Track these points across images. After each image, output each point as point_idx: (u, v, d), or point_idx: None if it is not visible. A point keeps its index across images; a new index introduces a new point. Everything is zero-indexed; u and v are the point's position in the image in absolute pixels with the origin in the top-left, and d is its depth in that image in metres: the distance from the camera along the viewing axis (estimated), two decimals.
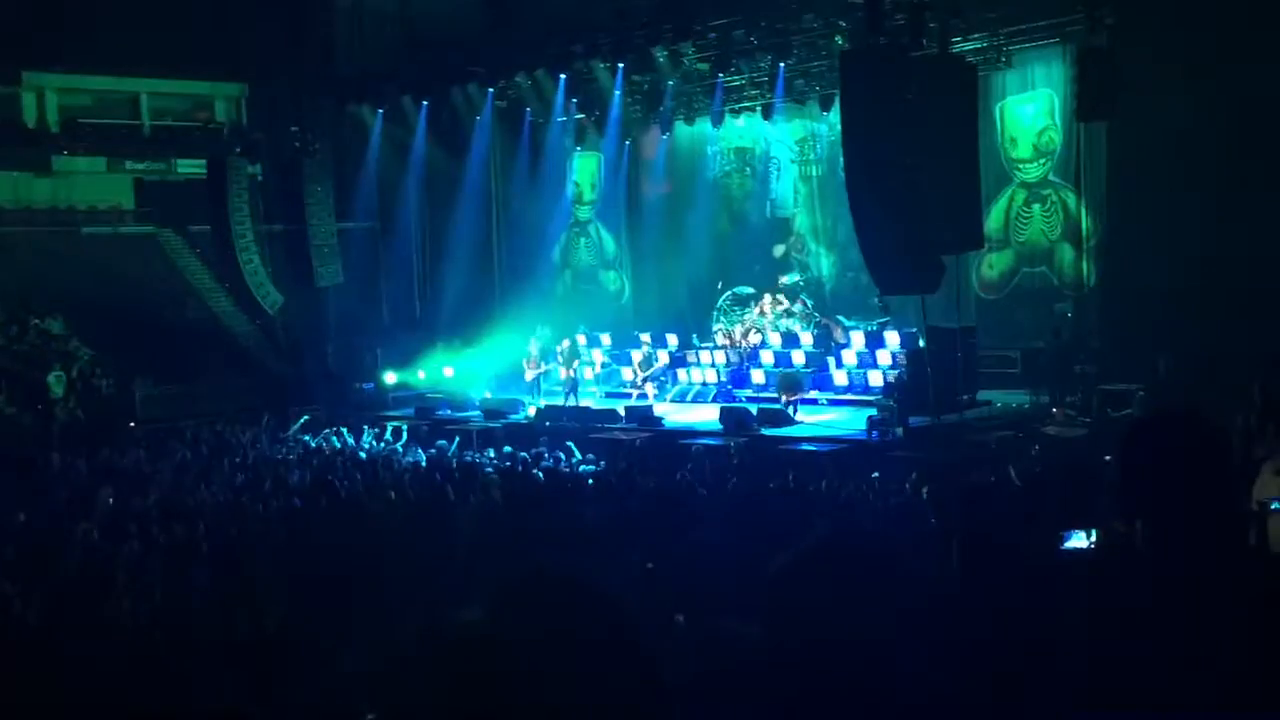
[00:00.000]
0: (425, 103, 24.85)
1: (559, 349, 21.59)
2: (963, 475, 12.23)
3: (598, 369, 23.21)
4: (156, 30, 27.65)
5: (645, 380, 21.32)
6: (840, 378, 19.94)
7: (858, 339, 20.32)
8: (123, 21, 27.03)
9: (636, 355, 21.71)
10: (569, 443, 16.44)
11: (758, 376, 20.85)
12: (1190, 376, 15.22)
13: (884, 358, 19.58)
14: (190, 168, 28.98)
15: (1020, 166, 20.35)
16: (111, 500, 12.47)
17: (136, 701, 2.52)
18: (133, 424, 21.63)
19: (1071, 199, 19.61)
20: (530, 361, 21.79)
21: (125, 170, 30.24)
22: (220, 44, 28.24)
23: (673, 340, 22.45)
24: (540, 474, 14.52)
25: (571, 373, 21.17)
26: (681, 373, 21.84)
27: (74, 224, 28.64)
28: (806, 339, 20.83)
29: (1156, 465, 2.68)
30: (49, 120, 29.84)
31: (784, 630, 2.50)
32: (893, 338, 19.74)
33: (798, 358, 20.47)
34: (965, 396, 17.26)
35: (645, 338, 22.44)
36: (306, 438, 18.64)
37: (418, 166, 25.95)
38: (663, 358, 21.73)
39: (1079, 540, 4.09)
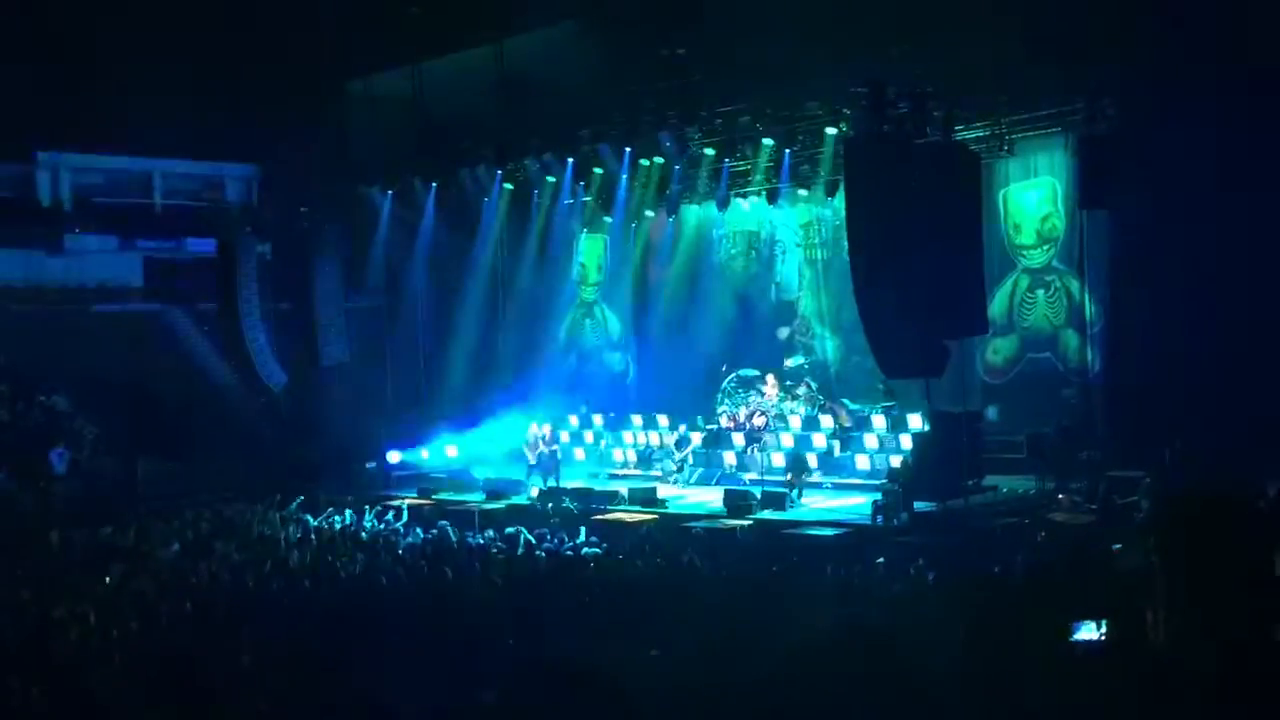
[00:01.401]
0: (434, 184, 25.17)
1: (536, 432, 21.78)
2: (969, 562, 12.11)
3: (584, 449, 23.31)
4: (170, 111, 28.11)
5: (682, 462, 21.20)
6: (862, 461, 19.83)
7: (879, 422, 20.22)
8: (137, 102, 27.47)
9: (670, 438, 21.69)
10: (576, 528, 16.34)
11: (778, 459, 20.72)
12: (1197, 465, 15.15)
13: (907, 442, 19.35)
14: (200, 246, 29.24)
15: (1024, 252, 20.48)
16: (108, 580, 12.37)
17: None
18: (135, 502, 21.52)
19: (1075, 285, 19.70)
20: (530, 445, 21.79)
21: (136, 249, 30.50)
22: (233, 125, 28.68)
23: (664, 421, 22.45)
24: (543, 555, 14.42)
25: (539, 453, 21.39)
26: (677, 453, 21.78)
27: (84, 302, 28.83)
28: (826, 422, 20.71)
29: (1188, 549, 2.64)
30: (62, 199, 30.18)
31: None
32: (916, 420, 19.47)
33: (818, 440, 20.38)
34: (971, 481, 17.16)
35: (663, 419, 22.47)
36: (308, 517, 18.54)
37: (425, 246, 26.19)
38: (695, 439, 21.56)
39: (1089, 631, 4.03)
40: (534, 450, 21.68)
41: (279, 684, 8.16)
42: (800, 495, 18.60)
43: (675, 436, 21.71)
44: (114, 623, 10.04)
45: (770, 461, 20.29)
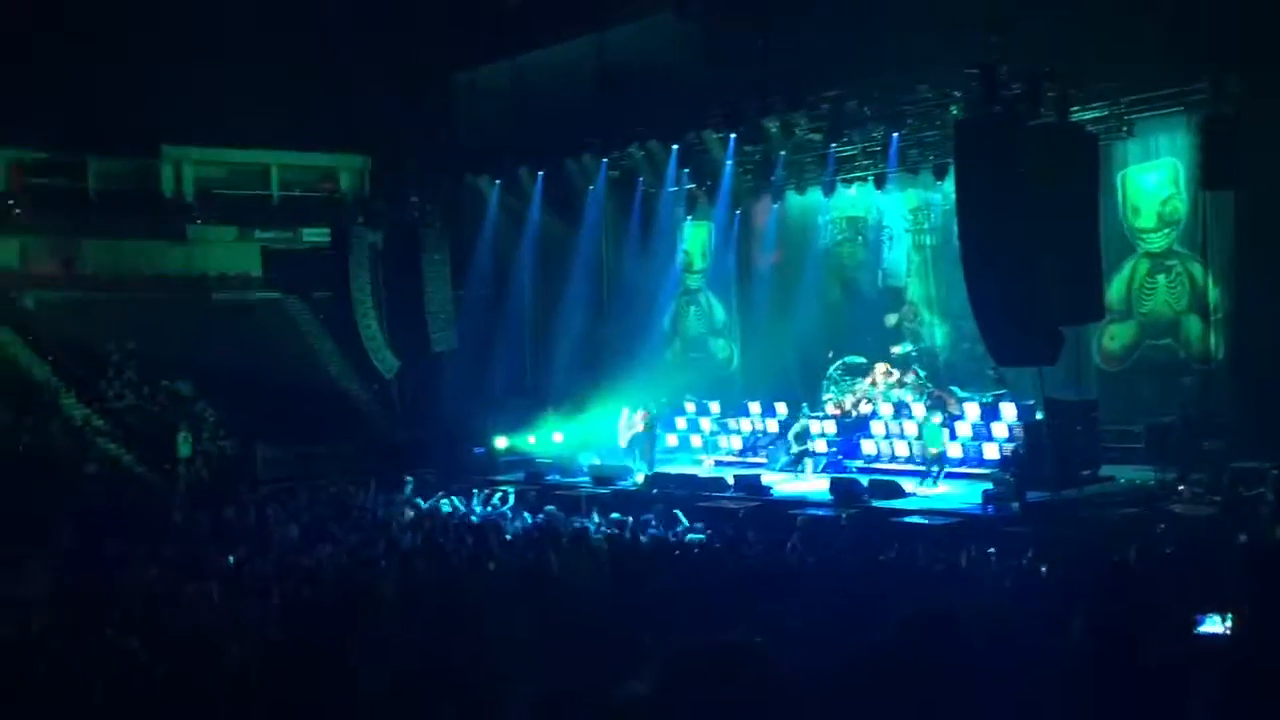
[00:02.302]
0: (540, 173, 25.41)
1: (627, 417, 22.26)
2: (1083, 553, 11.81)
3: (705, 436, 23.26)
4: (286, 106, 28.91)
5: (802, 453, 21.00)
6: (954, 450, 19.51)
7: (972, 411, 19.88)
8: (255, 98, 28.33)
9: (796, 426, 21.46)
10: (676, 511, 16.39)
11: (869, 447, 20.55)
12: None
13: (1000, 430, 19.12)
14: (315, 236, 30.01)
15: (1143, 236, 19.85)
16: (232, 560, 12.78)
17: None
18: (254, 485, 22.21)
19: (1198, 269, 19.04)
20: (622, 429, 22.32)
21: (254, 239, 31.45)
22: (345, 118, 29.37)
23: (782, 409, 22.35)
24: (646, 540, 14.47)
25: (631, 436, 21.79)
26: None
27: (205, 290, 29.85)
28: (919, 410, 20.45)
29: None
30: (185, 191, 31.27)
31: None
32: (1009, 410, 19.26)
33: (910, 429, 20.08)
34: (1086, 471, 16.73)
35: (781, 407, 22.39)
36: (419, 500, 18.91)
37: (532, 235, 26.48)
38: (814, 427, 21.34)
39: (1214, 625, 3.90)
40: (625, 434, 21.95)
41: (389, 666, 8.33)
42: (938, 480, 18.34)
43: (798, 427, 21.42)
44: (236, 601, 10.38)
45: (894, 449, 20.12)
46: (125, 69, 26.99)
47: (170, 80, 27.13)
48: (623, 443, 22.22)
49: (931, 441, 19.03)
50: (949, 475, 19.02)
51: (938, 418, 19.38)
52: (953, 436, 19.66)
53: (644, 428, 21.88)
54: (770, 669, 2.34)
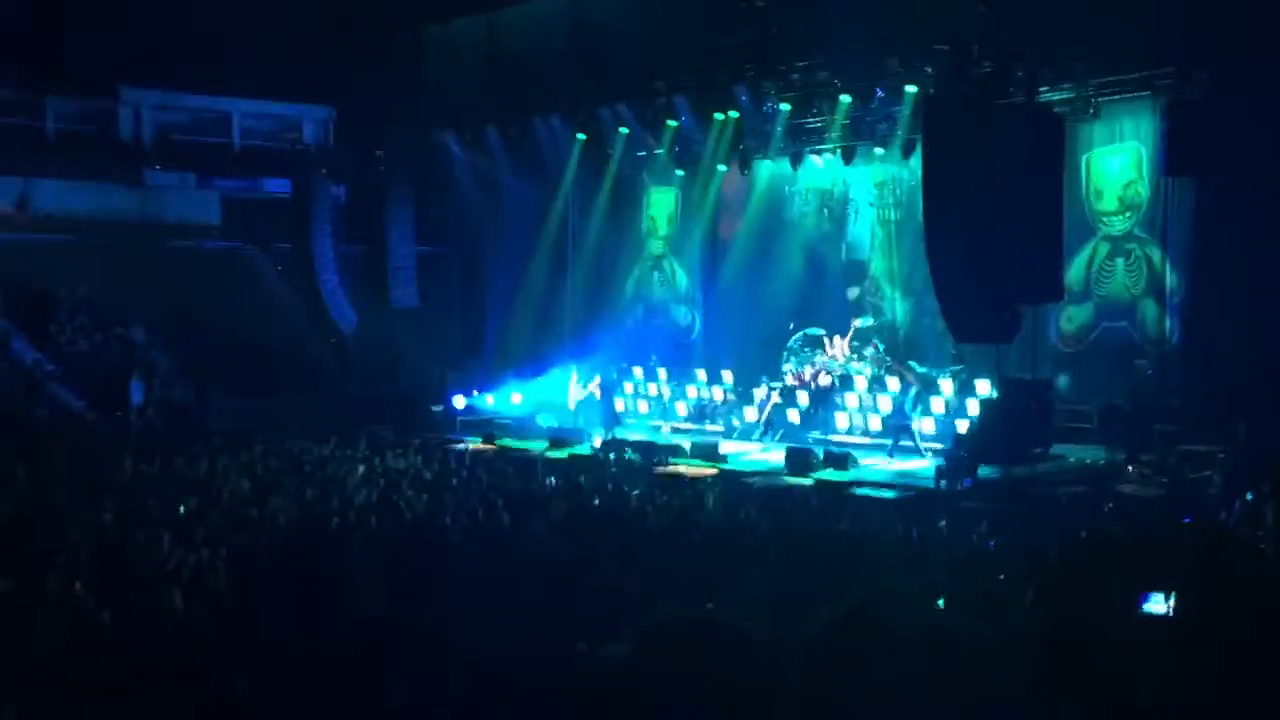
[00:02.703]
0: (508, 132, 25.19)
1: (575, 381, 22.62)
2: (1032, 529, 11.98)
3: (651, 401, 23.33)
4: (250, 53, 28.43)
5: (767, 423, 20.95)
6: (927, 425, 19.65)
7: (946, 387, 19.99)
8: (219, 43, 27.83)
9: (759, 393, 21.40)
10: (632, 475, 16.44)
11: (841, 420, 20.61)
12: (1272, 440, 14.82)
13: (974, 407, 19.15)
14: (276, 187, 29.64)
15: (1105, 219, 20.03)
16: (182, 510, 12.67)
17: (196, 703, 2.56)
18: (206, 435, 22.02)
19: (1156, 254, 19.26)
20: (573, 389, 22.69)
21: (214, 187, 31.01)
22: (311, 68, 28.93)
23: (728, 377, 22.45)
24: (600, 502, 14.51)
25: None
26: (749, 411, 21.72)
27: (161, 237, 29.40)
28: (893, 384, 20.55)
29: None
30: (143, 135, 30.73)
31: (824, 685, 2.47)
32: (984, 386, 19.22)
33: (883, 403, 20.21)
34: (1038, 450, 16.95)
35: (728, 375, 22.47)
36: (374, 456, 18.82)
37: (497, 194, 26.30)
38: (775, 398, 21.23)
39: (1157, 604, 3.97)
40: (574, 398, 22.50)
41: (345, 619, 8.32)
42: (894, 454, 18.52)
43: (762, 395, 21.39)
44: (187, 550, 10.30)
45: (835, 422, 20.20)
46: (87, 7, 26.43)
47: (133, 22, 26.60)
48: (571, 406, 22.35)
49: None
50: (911, 450, 19.18)
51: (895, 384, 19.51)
52: (926, 411, 19.76)
53: (599, 393, 21.90)
54: (746, 643, 2.36)
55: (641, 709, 2.29)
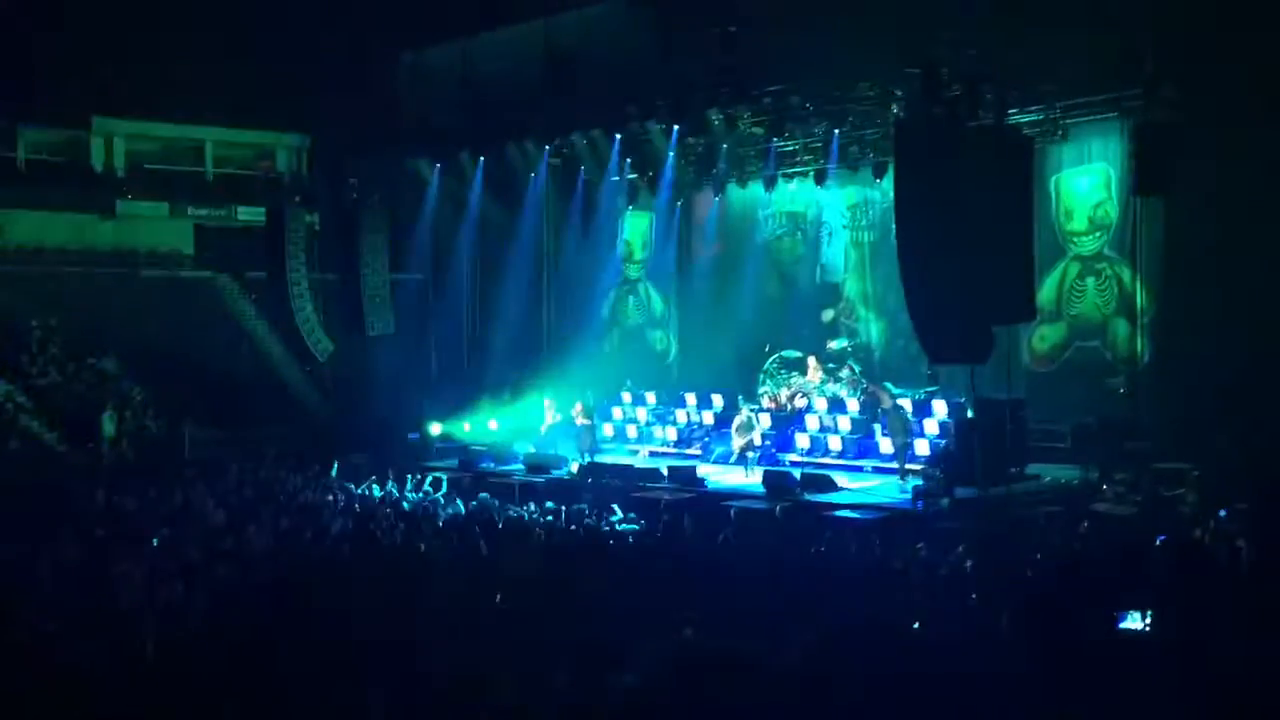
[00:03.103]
0: (482, 158, 25.22)
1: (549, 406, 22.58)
2: (1009, 549, 12.01)
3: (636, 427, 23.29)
4: (224, 81, 28.38)
5: (746, 448, 20.31)
6: (885, 445, 19.73)
7: (905, 407, 20.10)
8: (192, 72, 27.78)
9: (738, 418, 20.92)
10: (614, 505, 16.38)
11: (803, 441, 20.71)
12: (1245, 458, 14.93)
13: (931, 427, 19.39)
14: (250, 215, 29.54)
15: (1075, 239, 20.20)
16: (156, 542, 12.55)
17: None
18: (181, 466, 21.82)
19: (1126, 274, 19.42)
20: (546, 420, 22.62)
21: (187, 216, 30.88)
22: (285, 95, 28.90)
23: (718, 401, 22.44)
24: (579, 530, 14.47)
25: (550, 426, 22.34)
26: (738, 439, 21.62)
27: (134, 266, 29.23)
28: (853, 405, 20.65)
29: None
30: (115, 165, 30.59)
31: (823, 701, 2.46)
32: (940, 407, 19.56)
33: (843, 424, 20.28)
34: (1013, 469, 17.01)
35: (718, 399, 22.42)
36: (350, 485, 18.72)
37: (472, 220, 26.31)
38: (765, 421, 20.93)
39: (1134, 621, 3.98)
40: (546, 424, 22.51)
41: (319, 650, 8.25)
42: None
43: (742, 418, 21.16)
44: (161, 584, 10.19)
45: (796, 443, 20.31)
46: (59, 37, 26.33)
47: (105, 51, 26.51)
48: (543, 430, 22.34)
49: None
50: (879, 470, 19.24)
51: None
52: (885, 432, 19.86)
53: (584, 419, 21.78)
54: (760, 673, 2.36)
55: None
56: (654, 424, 23.25)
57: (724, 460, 20.96)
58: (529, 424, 23.31)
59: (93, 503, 16.34)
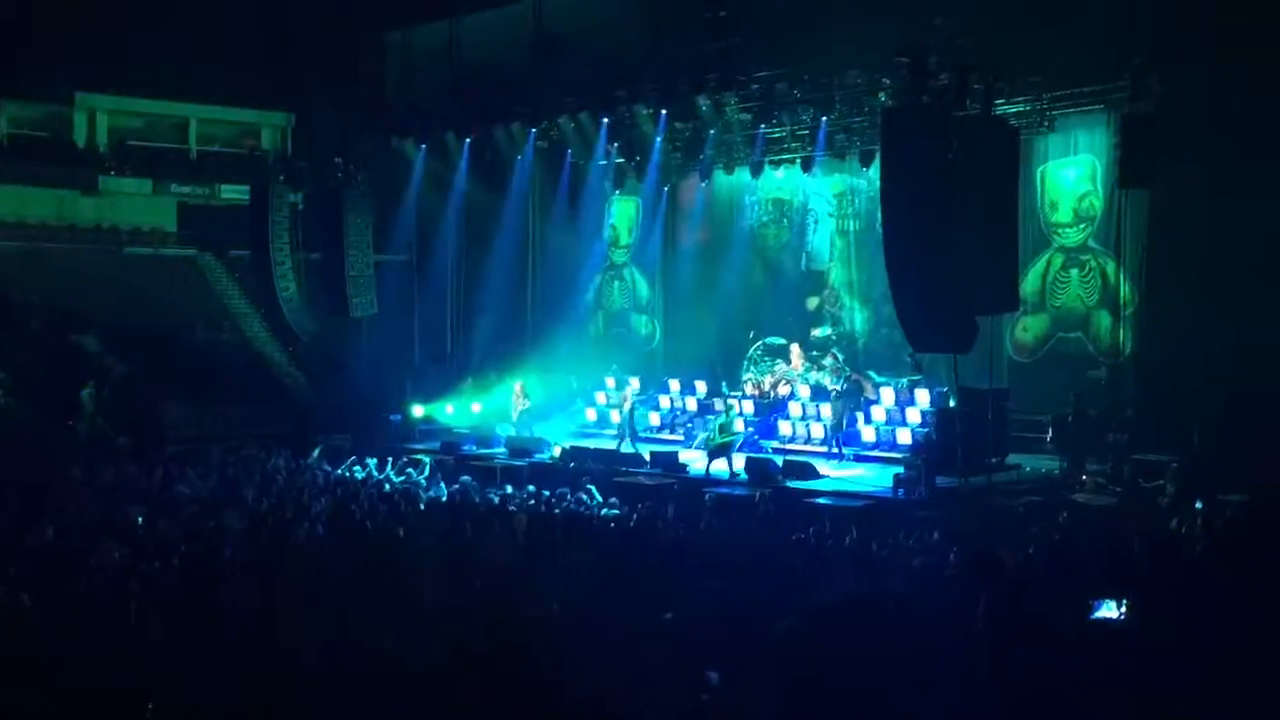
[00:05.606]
0: (468, 140, 25.12)
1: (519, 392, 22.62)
2: (989, 538, 12.06)
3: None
4: (209, 58, 28.17)
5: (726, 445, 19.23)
6: (868, 434, 19.80)
7: (888, 396, 20.19)
8: (176, 48, 27.55)
9: (719, 405, 21.03)
10: (590, 485, 16.40)
11: (785, 428, 20.74)
12: (1224, 449, 15.03)
13: (914, 416, 19.45)
14: (233, 193, 29.37)
15: (1060, 231, 20.25)
16: (139, 520, 12.50)
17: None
18: (160, 444, 21.72)
19: (1110, 266, 19.48)
20: (515, 404, 22.57)
21: (170, 193, 30.69)
22: (270, 74, 28.72)
23: (701, 387, 22.44)
24: (560, 513, 14.47)
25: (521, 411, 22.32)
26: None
27: (116, 243, 29.05)
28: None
29: None
30: (98, 141, 30.36)
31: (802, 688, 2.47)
32: (923, 396, 19.63)
33: (825, 411, 20.29)
34: (994, 459, 17.07)
35: (701, 385, 22.40)
36: (328, 468, 18.67)
37: (457, 202, 26.20)
38: (738, 425, 20.05)
39: (1109, 610, 4.00)
40: (516, 409, 22.40)
41: (296, 631, 8.23)
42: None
43: (728, 404, 21.12)
44: (139, 562, 10.15)
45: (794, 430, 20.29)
46: (42, 11, 26.08)
47: (88, 26, 26.27)
48: (514, 417, 22.30)
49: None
50: (860, 458, 19.29)
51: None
52: (868, 420, 19.93)
53: (524, 402, 22.11)
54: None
55: None
56: (641, 409, 23.16)
57: (706, 445, 20.97)
58: (510, 407, 23.29)
59: (69, 480, 16.26)
